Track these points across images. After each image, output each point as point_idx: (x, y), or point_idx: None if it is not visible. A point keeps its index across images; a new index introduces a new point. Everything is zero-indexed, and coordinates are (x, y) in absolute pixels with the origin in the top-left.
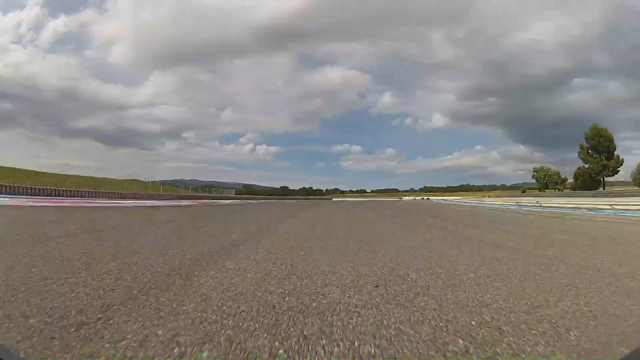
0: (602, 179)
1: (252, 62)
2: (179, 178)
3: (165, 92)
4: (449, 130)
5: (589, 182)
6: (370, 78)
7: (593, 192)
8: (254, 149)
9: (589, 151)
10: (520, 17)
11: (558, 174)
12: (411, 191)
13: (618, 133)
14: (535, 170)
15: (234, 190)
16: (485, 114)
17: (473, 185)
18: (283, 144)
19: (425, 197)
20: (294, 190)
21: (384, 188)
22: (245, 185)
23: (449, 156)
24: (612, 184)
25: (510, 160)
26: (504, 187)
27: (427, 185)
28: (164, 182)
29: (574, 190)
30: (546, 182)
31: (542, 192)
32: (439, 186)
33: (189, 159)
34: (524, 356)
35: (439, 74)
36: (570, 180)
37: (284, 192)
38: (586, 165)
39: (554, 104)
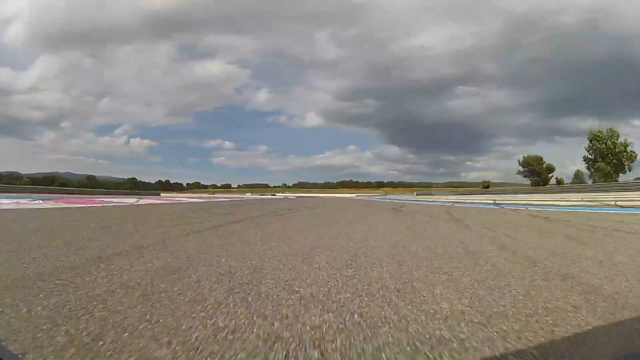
0: None
1: (135, 49)
2: (54, 171)
3: (49, 77)
4: (323, 130)
5: None
6: (249, 73)
7: None
8: (128, 141)
9: None
10: (411, 23)
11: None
12: (284, 187)
13: (501, 138)
14: (595, 136)
15: None
16: (361, 115)
17: (357, 182)
18: (157, 137)
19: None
20: (148, 183)
21: (253, 183)
22: (88, 177)
23: (321, 155)
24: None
25: (384, 160)
26: (392, 184)
27: (301, 181)
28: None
29: None
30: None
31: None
32: (315, 182)
33: (65, 150)
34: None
35: (318, 73)
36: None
37: (133, 185)
38: None
39: (434, 109)
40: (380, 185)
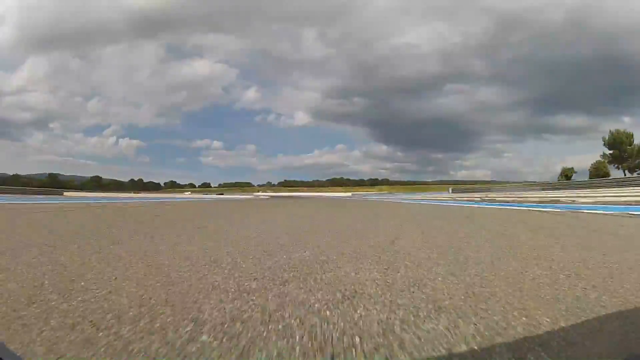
0: None
1: (121, 49)
2: (42, 172)
3: (38, 79)
4: (311, 128)
5: None
6: (237, 72)
7: None
8: (116, 142)
9: None
10: (398, 22)
11: None
12: (268, 185)
13: (489, 136)
14: None
15: None
16: (350, 113)
17: (348, 179)
18: (145, 138)
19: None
20: (122, 182)
21: (234, 182)
22: (50, 175)
23: (310, 154)
24: None
25: (372, 159)
26: (387, 182)
27: (287, 179)
28: None
29: None
30: None
31: None
32: (302, 180)
33: (54, 151)
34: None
35: (306, 71)
36: None
37: (96, 183)
38: None
39: (422, 107)
40: (374, 183)
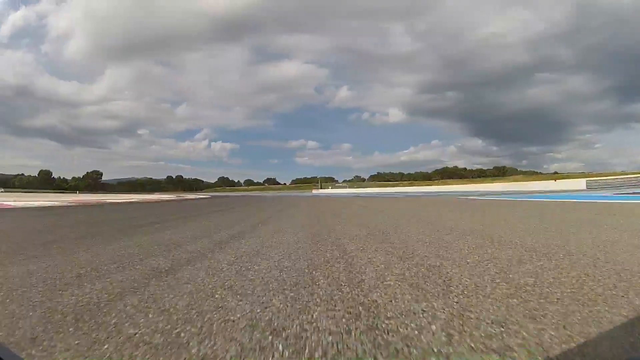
0: None
1: (206, 54)
2: (129, 176)
3: (120, 87)
4: (406, 125)
5: None
6: (328, 72)
7: None
8: (209, 145)
9: None
10: (483, 12)
11: None
12: (356, 180)
13: (580, 127)
14: None
15: None
16: (442, 108)
17: (464, 169)
18: (237, 140)
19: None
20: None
21: (302, 177)
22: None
23: (406, 150)
24: None
25: (467, 154)
26: (514, 172)
27: (380, 172)
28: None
29: None
30: None
31: None
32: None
33: (144, 156)
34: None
35: (396, 67)
36: None
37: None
38: None
39: (513, 98)
40: (499, 172)
